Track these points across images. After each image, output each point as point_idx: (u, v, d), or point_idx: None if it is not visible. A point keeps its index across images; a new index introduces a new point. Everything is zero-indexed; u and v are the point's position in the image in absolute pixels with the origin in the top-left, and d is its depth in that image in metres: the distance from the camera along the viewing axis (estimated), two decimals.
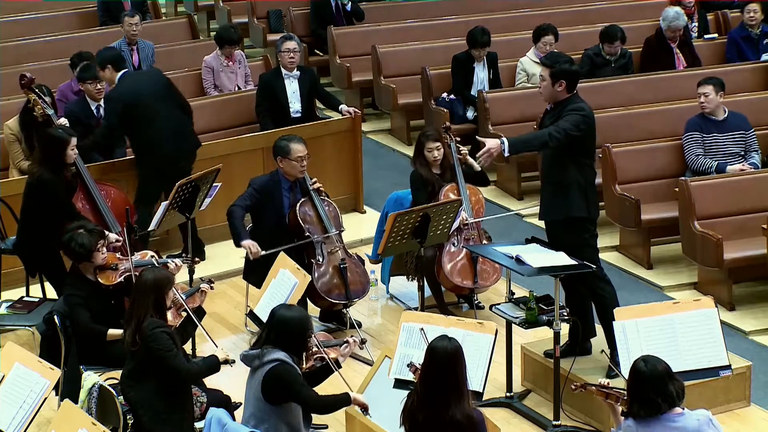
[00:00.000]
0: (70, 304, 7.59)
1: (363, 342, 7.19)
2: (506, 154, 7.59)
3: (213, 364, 7.02)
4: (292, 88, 11.29)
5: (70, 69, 11.07)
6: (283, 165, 8.96)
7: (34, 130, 9.78)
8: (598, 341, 8.10)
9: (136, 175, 9.97)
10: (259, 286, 8.30)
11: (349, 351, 7.05)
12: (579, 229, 7.86)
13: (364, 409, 6.78)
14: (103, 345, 7.51)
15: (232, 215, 8.84)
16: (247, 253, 8.80)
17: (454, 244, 9.17)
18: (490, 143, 7.55)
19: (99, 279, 7.70)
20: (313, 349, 6.83)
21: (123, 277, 7.71)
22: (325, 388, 6.94)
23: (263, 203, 8.90)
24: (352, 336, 7.20)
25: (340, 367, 6.95)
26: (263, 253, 8.70)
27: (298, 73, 11.29)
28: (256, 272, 8.62)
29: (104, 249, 7.72)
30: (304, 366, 6.76)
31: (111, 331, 7.51)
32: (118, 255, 7.98)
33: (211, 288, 7.66)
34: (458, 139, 9.48)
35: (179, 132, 9.94)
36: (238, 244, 8.79)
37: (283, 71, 11.26)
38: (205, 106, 11.65)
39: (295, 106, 11.32)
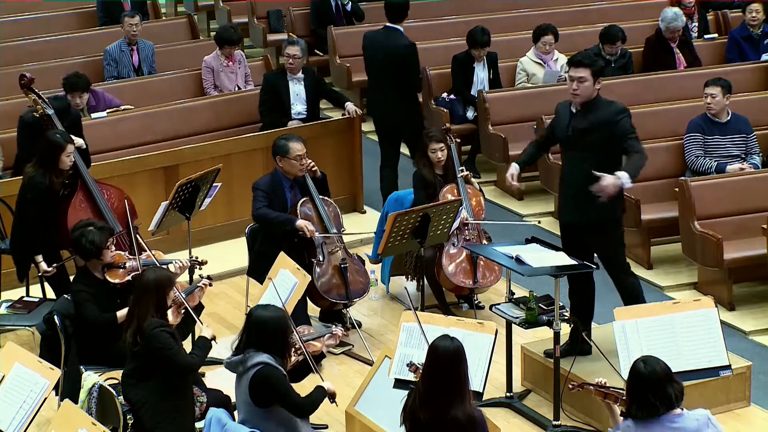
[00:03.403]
0: (79, 300, 7.60)
1: (347, 329, 7.12)
2: (628, 186, 7.69)
3: (206, 346, 7.02)
4: (296, 90, 11.29)
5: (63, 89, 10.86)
6: (282, 164, 8.97)
7: None
8: (600, 345, 8.11)
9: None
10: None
11: (334, 342, 7.03)
12: (619, 225, 8.04)
13: (333, 398, 6.71)
14: (108, 339, 7.45)
15: (265, 214, 8.83)
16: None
17: (453, 245, 9.17)
18: (608, 181, 7.58)
19: (107, 277, 7.72)
20: (296, 346, 6.80)
21: (131, 275, 7.73)
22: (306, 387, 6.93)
23: (271, 203, 8.91)
24: (336, 325, 7.18)
25: (324, 356, 6.91)
26: (318, 235, 8.76)
27: (303, 75, 11.29)
28: (264, 272, 8.54)
29: (113, 247, 7.76)
30: (289, 363, 6.72)
31: (120, 313, 7.51)
32: (125, 254, 8.00)
33: (210, 284, 7.67)
34: (458, 140, 9.48)
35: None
36: (293, 227, 8.75)
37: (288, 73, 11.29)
38: (205, 106, 11.66)
39: (297, 107, 11.32)
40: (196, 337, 7.17)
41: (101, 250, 7.66)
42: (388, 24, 11.03)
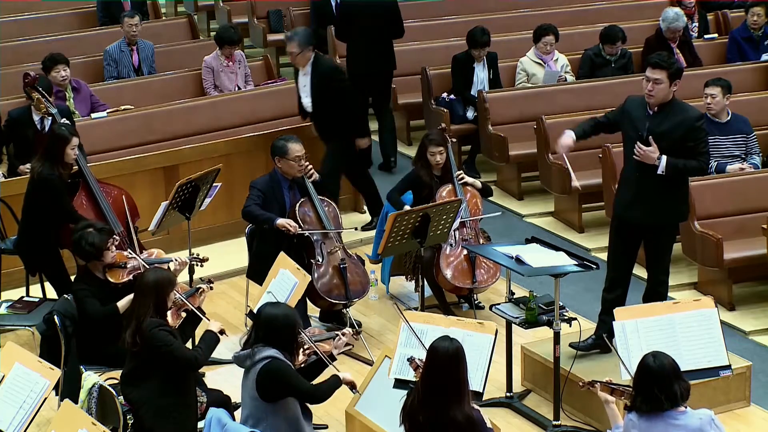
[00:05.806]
0: (79, 297, 7.60)
1: (358, 333, 7.14)
2: (660, 171, 7.64)
3: (212, 340, 7.03)
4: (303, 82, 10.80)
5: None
6: (281, 165, 8.97)
7: None
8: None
9: None
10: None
11: (343, 343, 7.04)
12: (678, 227, 8.08)
13: (353, 386, 6.78)
14: (110, 337, 7.42)
15: (251, 211, 8.82)
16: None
17: (451, 245, 9.17)
18: (649, 152, 7.61)
19: (108, 277, 7.72)
20: (305, 345, 6.82)
21: (132, 275, 7.74)
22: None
23: (268, 202, 8.91)
24: (346, 328, 7.19)
25: (335, 359, 6.94)
26: (300, 231, 8.74)
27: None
28: (263, 273, 8.53)
29: (113, 248, 7.76)
30: (297, 361, 6.74)
31: (121, 303, 7.52)
32: (126, 253, 8.01)
33: (211, 288, 7.67)
34: (454, 139, 9.47)
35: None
36: (273, 225, 8.73)
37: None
38: (205, 106, 11.66)
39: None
40: (203, 332, 7.15)
41: (102, 251, 7.67)
42: None
